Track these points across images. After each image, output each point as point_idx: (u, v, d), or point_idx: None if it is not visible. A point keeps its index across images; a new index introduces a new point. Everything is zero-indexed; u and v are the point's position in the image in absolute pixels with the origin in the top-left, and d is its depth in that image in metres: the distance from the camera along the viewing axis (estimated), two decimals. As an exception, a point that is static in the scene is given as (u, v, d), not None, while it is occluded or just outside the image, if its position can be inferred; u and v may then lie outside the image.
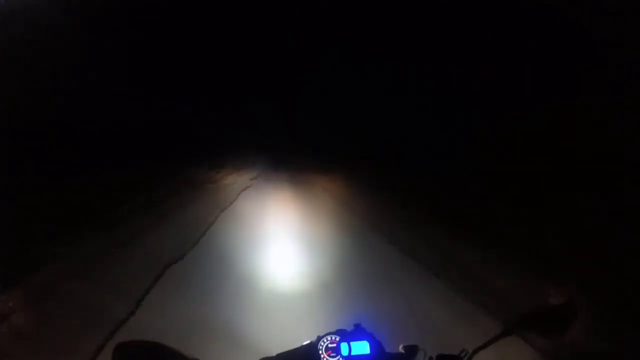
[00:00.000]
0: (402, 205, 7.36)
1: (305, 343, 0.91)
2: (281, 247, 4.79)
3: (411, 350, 0.95)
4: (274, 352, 0.91)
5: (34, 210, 4.45)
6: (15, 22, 6.44)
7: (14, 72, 6.55)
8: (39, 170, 5.97)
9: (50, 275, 3.22)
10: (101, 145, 8.64)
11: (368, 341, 0.90)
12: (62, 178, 6.13)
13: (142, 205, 5.82)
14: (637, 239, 3.64)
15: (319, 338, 0.90)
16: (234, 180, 10.25)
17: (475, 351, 0.84)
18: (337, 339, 0.89)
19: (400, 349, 0.95)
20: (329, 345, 0.88)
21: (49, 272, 3.28)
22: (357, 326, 0.94)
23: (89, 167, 7.21)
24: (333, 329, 0.93)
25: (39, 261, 3.39)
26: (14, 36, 6.53)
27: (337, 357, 0.88)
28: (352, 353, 0.88)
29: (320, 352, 0.88)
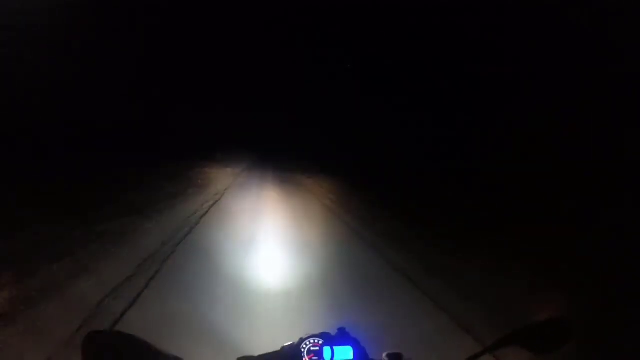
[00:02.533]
0: (385, 215, 7.42)
1: (286, 344, 0.87)
2: (266, 247, 4.75)
3: (395, 358, 0.92)
4: (255, 353, 0.87)
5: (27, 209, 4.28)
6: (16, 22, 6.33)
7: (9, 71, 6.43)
8: (35, 169, 5.82)
9: (44, 276, 3.09)
10: (90, 141, 8.53)
11: (352, 346, 0.86)
12: (50, 175, 5.96)
13: (127, 203, 5.67)
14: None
15: (302, 340, 0.86)
16: (220, 176, 10.16)
17: None
18: (320, 342, 0.86)
19: (384, 356, 0.92)
20: (312, 349, 0.85)
21: (43, 272, 3.14)
22: (341, 330, 0.90)
23: (77, 162, 7.10)
24: (316, 332, 0.89)
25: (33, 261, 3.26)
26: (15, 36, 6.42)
27: (320, 361, 0.84)
28: (335, 358, 0.84)
29: (303, 354, 0.84)
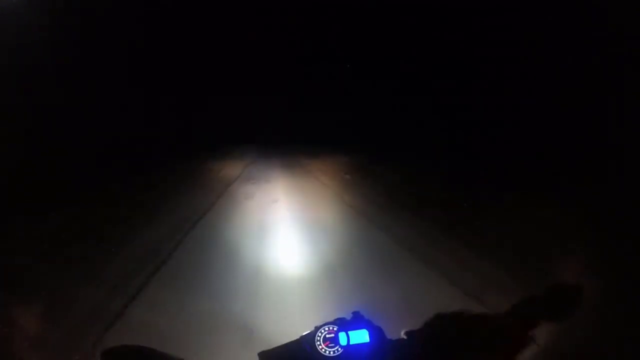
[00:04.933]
0: (392, 194, 7.36)
1: (302, 334, 0.87)
2: (277, 235, 4.78)
3: (413, 335, 0.92)
4: (272, 343, 0.88)
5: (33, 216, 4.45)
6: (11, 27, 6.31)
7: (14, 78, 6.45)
8: (42, 176, 5.95)
9: (50, 276, 3.21)
10: (97, 140, 8.61)
11: (367, 329, 0.86)
12: (62, 176, 6.12)
13: (137, 198, 5.84)
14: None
15: (317, 329, 0.86)
16: (228, 167, 10.20)
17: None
18: (335, 329, 0.85)
19: (402, 334, 0.92)
20: (327, 336, 0.85)
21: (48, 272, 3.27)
22: (356, 314, 0.90)
23: (85, 160, 7.23)
24: (332, 319, 0.89)
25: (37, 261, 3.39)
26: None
27: (336, 347, 0.84)
28: (351, 342, 0.84)
29: (318, 343, 0.84)
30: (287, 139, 18.38)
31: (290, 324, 2.52)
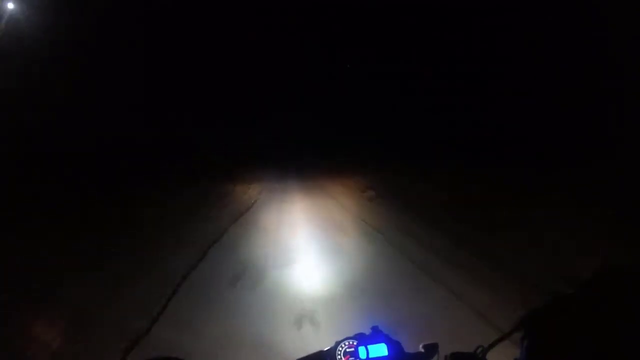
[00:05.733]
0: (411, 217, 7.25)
1: (323, 349, 0.92)
2: (297, 256, 4.80)
3: (431, 348, 0.94)
4: (293, 358, 0.92)
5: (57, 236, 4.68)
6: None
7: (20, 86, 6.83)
8: (61, 192, 6.27)
9: (76, 294, 3.35)
10: (113, 162, 8.96)
11: (385, 343, 0.90)
12: (80, 199, 6.42)
13: (165, 219, 6.03)
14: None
15: (337, 343, 0.90)
16: (246, 191, 10.35)
17: (490, 347, 0.84)
18: (355, 343, 0.89)
19: (420, 348, 0.95)
20: (347, 350, 0.89)
21: (74, 290, 3.42)
22: (375, 329, 0.94)
23: (103, 185, 7.53)
24: (352, 334, 0.93)
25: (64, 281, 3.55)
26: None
27: (356, 361, 0.88)
28: (370, 356, 0.88)
29: (339, 357, 0.88)
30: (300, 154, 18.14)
31: (311, 340, 2.53)
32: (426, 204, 7.68)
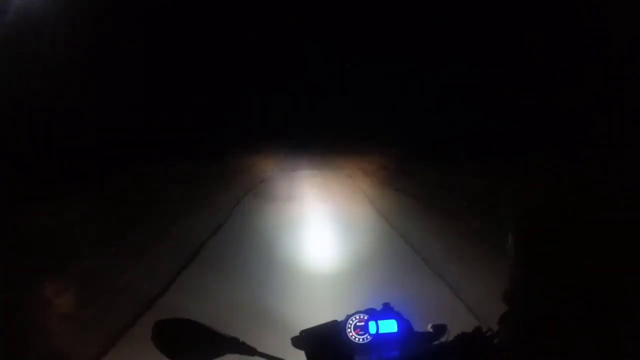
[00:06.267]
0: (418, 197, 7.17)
1: (334, 320, 0.93)
2: (310, 229, 4.85)
3: (440, 329, 0.94)
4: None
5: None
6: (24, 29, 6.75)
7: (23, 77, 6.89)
8: (74, 173, 6.36)
9: (90, 262, 3.47)
10: (132, 136, 9.05)
11: (396, 320, 0.90)
12: (100, 175, 6.51)
13: (173, 194, 6.13)
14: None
15: (348, 317, 0.91)
16: (262, 161, 10.40)
17: (498, 332, 0.82)
18: (366, 318, 0.90)
19: (429, 328, 0.95)
20: (357, 324, 0.90)
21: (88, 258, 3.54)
22: (386, 305, 0.94)
23: (123, 161, 7.63)
24: (363, 309, 0.94)
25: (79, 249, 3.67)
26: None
27: (365, 335, 0.89)
28: (380, 331, 0.88)
29: (349, 330, 0.89)
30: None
31: (323, 313, 2.57)
32: (437, 193, 7.58)
